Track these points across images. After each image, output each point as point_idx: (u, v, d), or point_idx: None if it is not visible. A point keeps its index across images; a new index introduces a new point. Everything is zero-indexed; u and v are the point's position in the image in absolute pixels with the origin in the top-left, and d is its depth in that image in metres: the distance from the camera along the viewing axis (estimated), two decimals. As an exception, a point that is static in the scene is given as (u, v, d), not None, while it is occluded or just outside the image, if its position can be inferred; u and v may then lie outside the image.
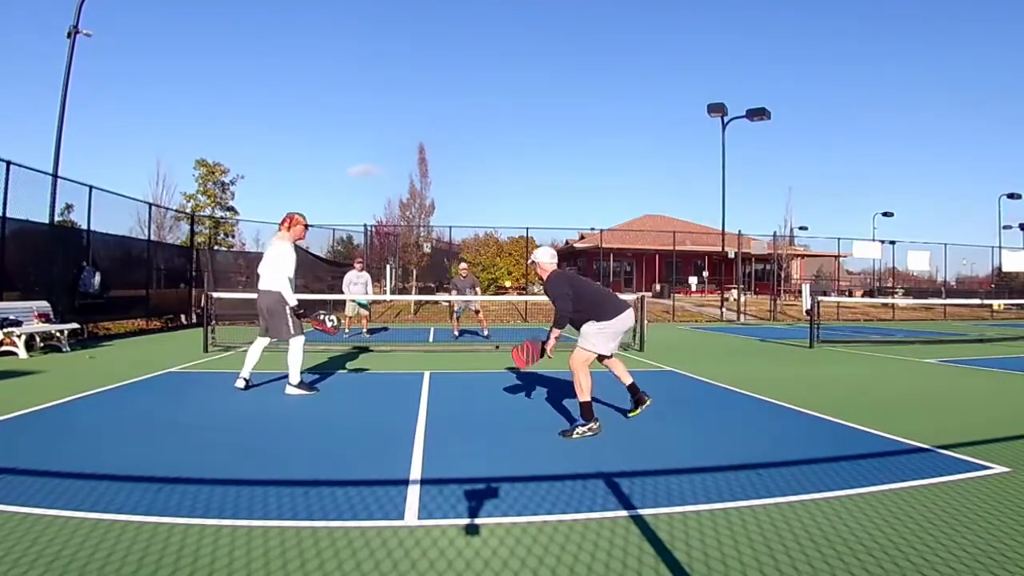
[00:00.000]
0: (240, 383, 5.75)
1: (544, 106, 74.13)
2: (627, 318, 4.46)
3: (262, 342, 5.86)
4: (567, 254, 36.84)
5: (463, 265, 13.36)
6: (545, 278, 4.53)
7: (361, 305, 12.77)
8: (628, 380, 4.61)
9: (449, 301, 13.43)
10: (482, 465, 3.38)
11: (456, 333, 12.50)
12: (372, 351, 9.49)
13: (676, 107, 70.22)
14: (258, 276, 5.77)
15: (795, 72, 71.03)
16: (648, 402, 4.57)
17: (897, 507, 2.74)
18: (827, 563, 2.17)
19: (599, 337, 4.37)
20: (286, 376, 5.74)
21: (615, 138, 74.25)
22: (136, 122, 57.02)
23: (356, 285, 12.35)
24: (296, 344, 5.66)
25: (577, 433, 4.10)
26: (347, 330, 12.38)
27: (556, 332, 4.36)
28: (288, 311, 5.61)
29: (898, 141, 70.77)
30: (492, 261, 31.24)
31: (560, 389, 6.13)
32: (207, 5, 65.96)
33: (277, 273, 5.58)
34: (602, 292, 4.72)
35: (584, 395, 4.21)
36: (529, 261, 5.45)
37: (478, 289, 13.02)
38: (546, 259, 4.54)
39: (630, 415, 4.60)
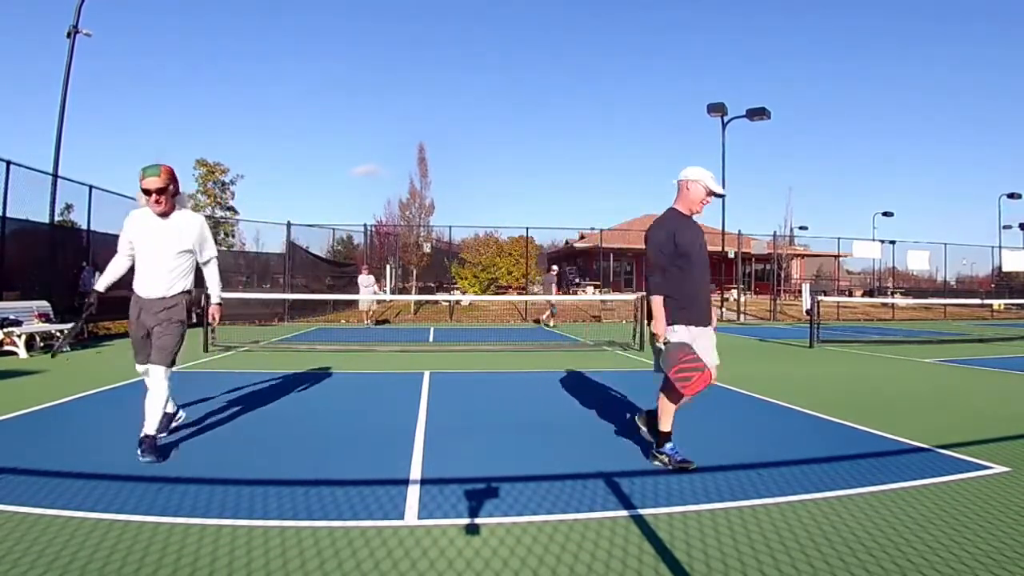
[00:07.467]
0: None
1: (544, 106, 74.16)
2: None
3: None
4: (567, 254, 36.84)
5: (555, 268, 18.46)
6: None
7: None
8: None
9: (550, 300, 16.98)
10: (482, 465, 3.38)
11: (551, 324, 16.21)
12: (372, 351, 9.48)
13: (676, 107, 70.26)
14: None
15: (795, 72, 71.01)
16: None
17: (897, 507, 2.74)
18: (827, 563, 2.17)
19: None
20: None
21: (615, 138, 74.30)
22: (136, 122, 57.03)
23: (367, 288, 16.13)
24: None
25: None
26: (369, 322, 16.16)
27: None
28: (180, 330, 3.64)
29: (899, 141, 70.74)
30: (492, 261, 31.38)
31: (560, 389, 6.12)
32: (208, 6, 65.97)
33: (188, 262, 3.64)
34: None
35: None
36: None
37: (554, 287, 17.30)
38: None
39: None
